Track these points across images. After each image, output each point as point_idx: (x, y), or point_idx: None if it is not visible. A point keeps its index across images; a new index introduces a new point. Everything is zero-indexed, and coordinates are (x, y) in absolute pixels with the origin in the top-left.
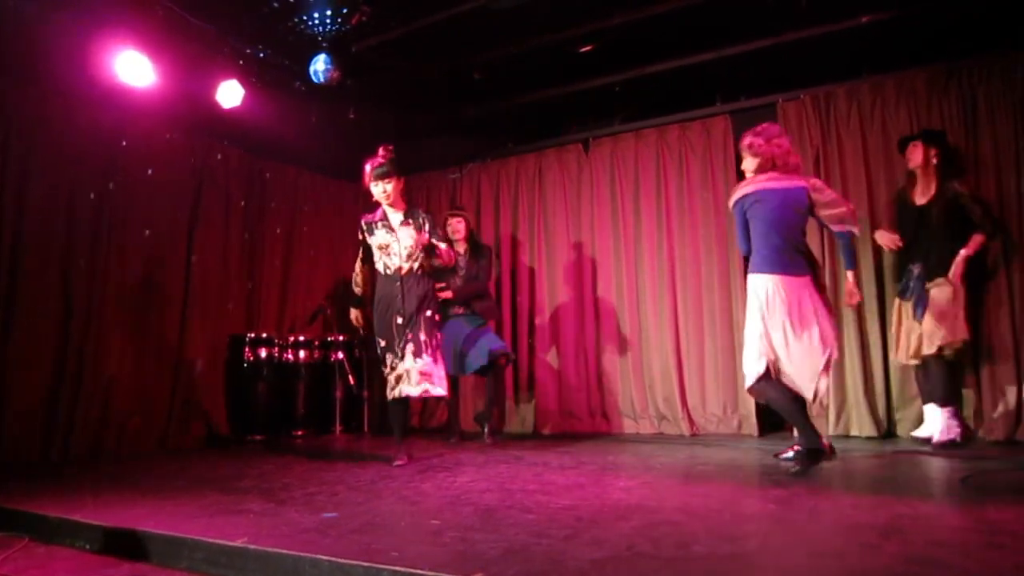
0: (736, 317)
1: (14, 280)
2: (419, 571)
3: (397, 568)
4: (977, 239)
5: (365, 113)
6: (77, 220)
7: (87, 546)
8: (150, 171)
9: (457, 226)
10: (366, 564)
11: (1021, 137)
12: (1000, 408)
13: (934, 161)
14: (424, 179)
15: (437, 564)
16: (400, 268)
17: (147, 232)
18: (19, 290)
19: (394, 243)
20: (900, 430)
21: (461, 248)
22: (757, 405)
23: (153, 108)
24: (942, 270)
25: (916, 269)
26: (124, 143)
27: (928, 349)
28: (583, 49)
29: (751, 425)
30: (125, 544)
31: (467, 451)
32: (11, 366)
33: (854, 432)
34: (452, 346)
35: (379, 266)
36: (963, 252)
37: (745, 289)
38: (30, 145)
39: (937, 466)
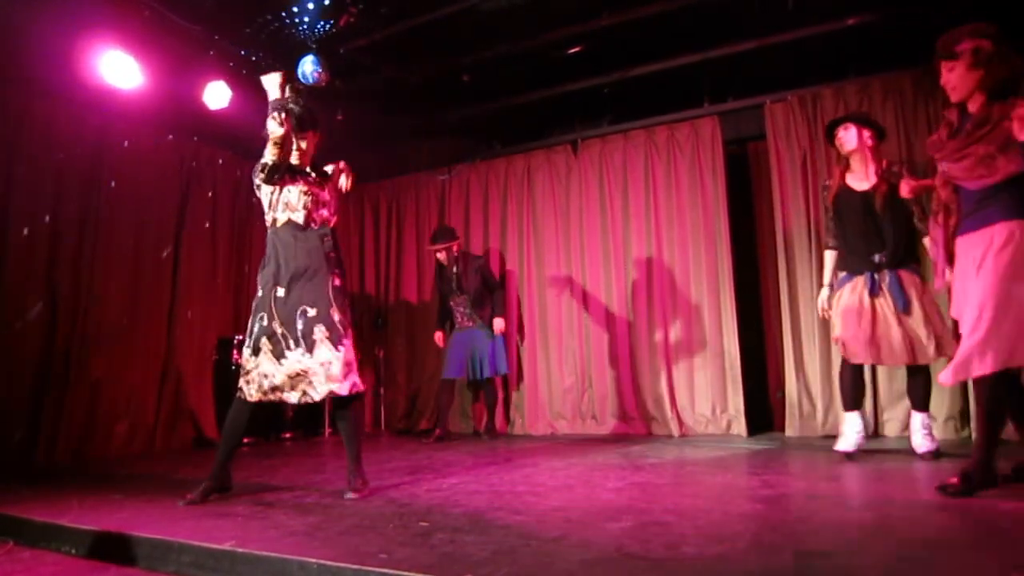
0: (724, 317)
1: None
2: (407, 573)
3: (386, 570)
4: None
5: (353, 114)
6: (62, 221)
7: (73, 550)
8: (141, 172)
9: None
10: (354, 567)
11: None
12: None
13: (869, 143)
14: (413, 180)
15: (425, 566)
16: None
17: (133, 233)
18: (3, 292)
19: None
20: (888, 430)
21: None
22: (746, 405)
23: (139, 109)
24: (911, 259)
25: (880, 258)
26: (110, 144)
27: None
28: (571, 51)
29: (740, 425)
30: (111, 548)
31: (456, 453)
32: None
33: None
34: (470, 351)
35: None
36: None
37: (733, 289)
38: (14, 146)
39: (925, 466)
